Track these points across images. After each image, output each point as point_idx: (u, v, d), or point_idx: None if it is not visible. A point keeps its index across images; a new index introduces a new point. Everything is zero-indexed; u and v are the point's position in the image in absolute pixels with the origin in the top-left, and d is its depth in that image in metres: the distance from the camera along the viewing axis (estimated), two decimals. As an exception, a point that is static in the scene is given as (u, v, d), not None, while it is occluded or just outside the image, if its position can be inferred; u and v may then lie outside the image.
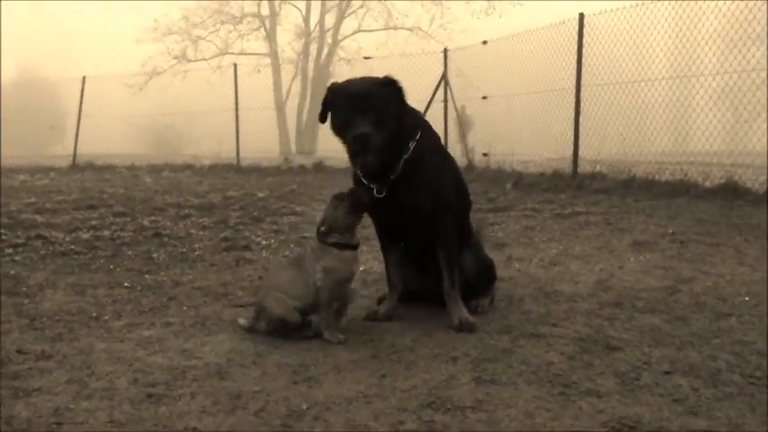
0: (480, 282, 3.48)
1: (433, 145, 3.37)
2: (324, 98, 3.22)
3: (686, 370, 2.64)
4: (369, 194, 3.20)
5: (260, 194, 9.59)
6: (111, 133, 22.47)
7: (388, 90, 3.15)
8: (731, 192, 7.70)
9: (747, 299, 3.65)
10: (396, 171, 3.18)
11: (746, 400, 2.37)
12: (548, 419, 2.23)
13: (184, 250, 5.34)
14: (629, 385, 2.50)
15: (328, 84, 3.30)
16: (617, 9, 10.34)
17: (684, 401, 2.36)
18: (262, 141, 19.53)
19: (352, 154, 3.14)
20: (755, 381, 2.53)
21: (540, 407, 2.33)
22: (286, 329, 3.08)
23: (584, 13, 10.60)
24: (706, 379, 2.55)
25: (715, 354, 2.82)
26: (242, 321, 3.24)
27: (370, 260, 4.83)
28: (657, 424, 2.19)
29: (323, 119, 3.25)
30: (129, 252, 5.28)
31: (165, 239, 5.82)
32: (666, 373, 2.62)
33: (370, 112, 3.05)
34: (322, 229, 3.13)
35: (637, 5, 10.06)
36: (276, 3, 31.74)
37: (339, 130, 3.14)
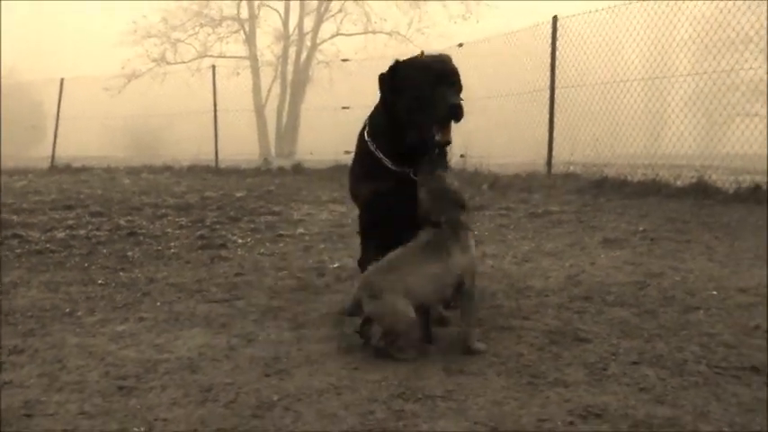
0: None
1: None
2: (387, 76, 3.16)
3: (653, 361, 2.69)
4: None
5: (238, 195, 9.57)
6: (90, 136, 22.32)
7: (457, 71, 3.17)
8: (702, 191, 7.83)
9: (715, 293, 3.72)
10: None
11: (711, 389, 2.42)
12: (515, 408, 2.27)
13: (160, 248, 5.33)
14: (596, 375, 2.54)
15: (383, 71, 3.20)
16: (591, 12, 10.47)
17: (651, 390, 2.40)
18: (241, 144, 19.47)
19: (437, 123, 3.01)
20: (721, 371, 2.58)
21: (509, 396, 2.36)
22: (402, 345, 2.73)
23: (558, 16, 10.71)
24: (672, 369, 2.60)
25: (682, 345, 2.87)
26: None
27: (345, 256, 4.87)
28: (623, 411, 2.23)
29: (388, 98, 3.18)
30: (105, 250, 5.26)
31: (141, 238, 5.81)
32: (634, 363, 2.66)
33: (454, 85, 3.08)
34: (464, 203, 2.87)
35: (610, 8, 10.20)
36: (255, 5, 31.71)
37: (419, 104, 3.05)
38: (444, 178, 2.93)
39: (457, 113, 3.01)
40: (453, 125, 3.13)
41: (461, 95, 3.20)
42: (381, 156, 3.22)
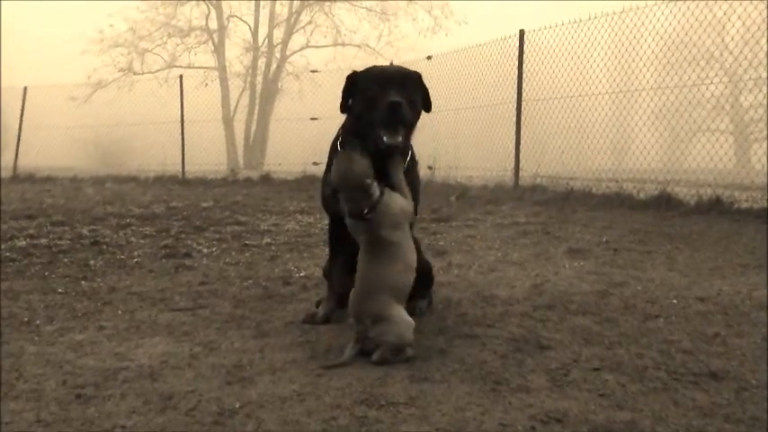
0: (419, 284, 3.50)
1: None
2: (345, 86, 3.17)
3: (614, 367, 2.72)
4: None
5: (204, 205, 9.50)
6: (55, 145, 21.97)
7: (417, 79, 3.18)
8: (664, 204, 7.98)
9: (675, 301, 3.79)
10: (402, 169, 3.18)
11: (670, 394, 2.45)
12: (478, 413, 2.28)
13: (123, 257, 5.26)
14: (558, 381, 2.57)
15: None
16: (557, 26, 10.63)
17: (611, 396, 2.43)
18: (209, 154, 19.32)
19: (380, 122, 2.98)
20: (679, 377, 2.62)
21: (472, 402, 2.37)
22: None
23: (525, 30, 10.85)
24: (632, 375, 2.63)
25: (642, 352, 2.91)
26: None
27: (311, 266, 4.85)
28: (584, 416, 2.25)
29: (344, 108, 3.19)
30: (66, 259, 5.17)
31: (104, 247, 5.72)
32: (595, 369, 2.69)
33: (401, 88, 3.04)
34: (369, 181, 2.87)
35: (575, 23, 10.36)
36: (224, 16, 31.57)
37: (366, 107, 3.04)
38: (354, 159, 2.89)
39: (396, 110, 2.95)
40: (418, 134, 3.14)
41: (428, 108, 3.23)
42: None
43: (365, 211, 2.87)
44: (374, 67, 3.25)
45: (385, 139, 2.99)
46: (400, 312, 2.84)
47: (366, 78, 3.12)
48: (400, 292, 2.89)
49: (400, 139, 3.02)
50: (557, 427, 2.17)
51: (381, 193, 2.92)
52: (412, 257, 2.96)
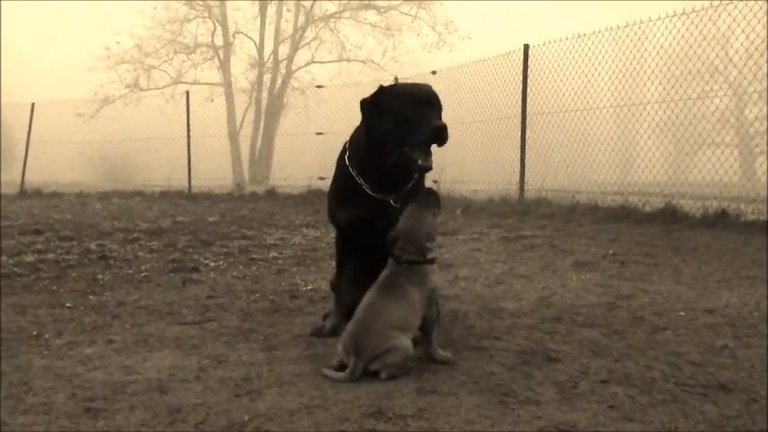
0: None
1: None
2: (372, 101, 3.16)
3: (622, 379, 2.72)
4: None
5: (210, 219, 9.52)
6: (62, 161, 22.09)
7: (437, 96, 3.20)
8: (670, 216, 7.96)
9: (683, 314, 3.78)
10: (411, 183, 3.22)
11: (679, 406, 2.45)
12: (487, 426, 2.27)
13: (131, 272, 5.28)
14: (566, 394, 2.56)
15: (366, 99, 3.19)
16: (561, 40, 10.66)
17: (620, 408, 2.42)
18: (215, 170, 19.39)
19: (421, 145, 3.01)
20: (688, 388, 2.62)
21: (481, 414, 2.37)
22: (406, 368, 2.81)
23: (530, 44, 10.89)
24: (641, 387, 2.63)
25: (650, 364, 2.91)
26: (329, 372, 2.80)
27: (318, 279, 4.86)
28: (593, 429, 2.25)
29: (370, 122, 3.17)
30: (74, 274, 5.19)
31: (112, 262, 5.75)
32: (603, 382, 2.69)
33: (435, 109, 3.09)
34: (429, 245, 2.93)
35: (580, 37, 10.38)
36: (230, 33, 31.78)
37: (400, 127, 3.04)
38: (424, 218, 2.96)
39: (442, 135, 3.00)
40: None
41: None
42: (361, 181, 3.24)
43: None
44: (401, 84, 3.26)
45: (420, 162, 3.04)
46: (401, 339, 2.79)
47: (400, 96, 3.11)
48: (403, 327, 2.84)
49: (431, 159, 3.07)
50: (566, 439, 2.17)
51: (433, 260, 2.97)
52: (418, 303, 2.88)
